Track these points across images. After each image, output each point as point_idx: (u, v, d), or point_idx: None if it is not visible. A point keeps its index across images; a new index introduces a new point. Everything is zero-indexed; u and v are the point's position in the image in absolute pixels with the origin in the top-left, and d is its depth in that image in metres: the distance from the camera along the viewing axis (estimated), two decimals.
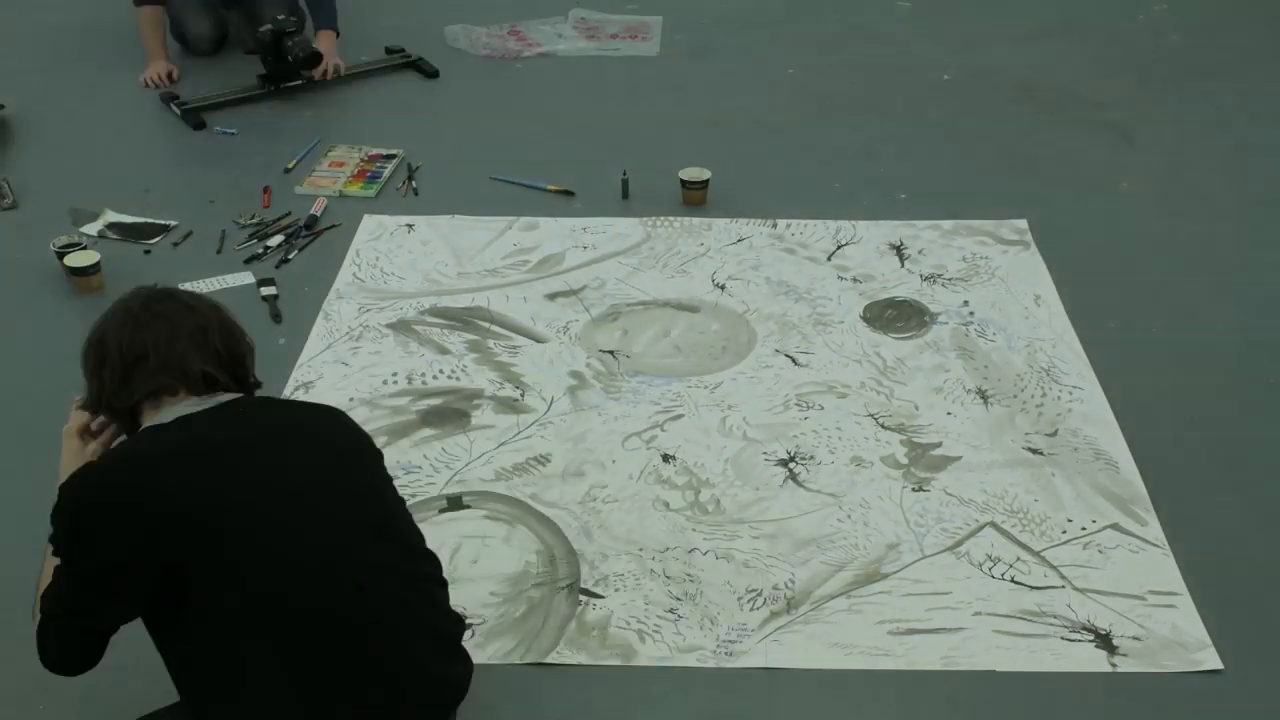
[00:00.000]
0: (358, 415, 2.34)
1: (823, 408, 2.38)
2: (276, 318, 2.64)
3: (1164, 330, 2.61)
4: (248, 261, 2.84)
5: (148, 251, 2.88)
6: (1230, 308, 2.67)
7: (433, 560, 1.61)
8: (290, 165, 3.23)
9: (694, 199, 3.04)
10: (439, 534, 2.08)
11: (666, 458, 2.25)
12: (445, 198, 3.10)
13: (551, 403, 2.39)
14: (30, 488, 2.19)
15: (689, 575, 2.01)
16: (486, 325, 2.62)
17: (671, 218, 2.99)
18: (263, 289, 2.73)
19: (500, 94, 3.66)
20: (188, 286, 2.73)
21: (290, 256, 2.84)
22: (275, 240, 2.88)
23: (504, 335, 2.58)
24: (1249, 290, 2.73)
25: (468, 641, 1.88)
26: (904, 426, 2.33)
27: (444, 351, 2.53)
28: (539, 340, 2.57)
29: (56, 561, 1.42)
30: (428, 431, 2.32)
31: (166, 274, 2.78)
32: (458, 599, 1.96)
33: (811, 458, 2.25)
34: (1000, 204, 3.04)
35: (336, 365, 2.49)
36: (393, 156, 3.25)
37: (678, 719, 1.81)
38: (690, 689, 1.84)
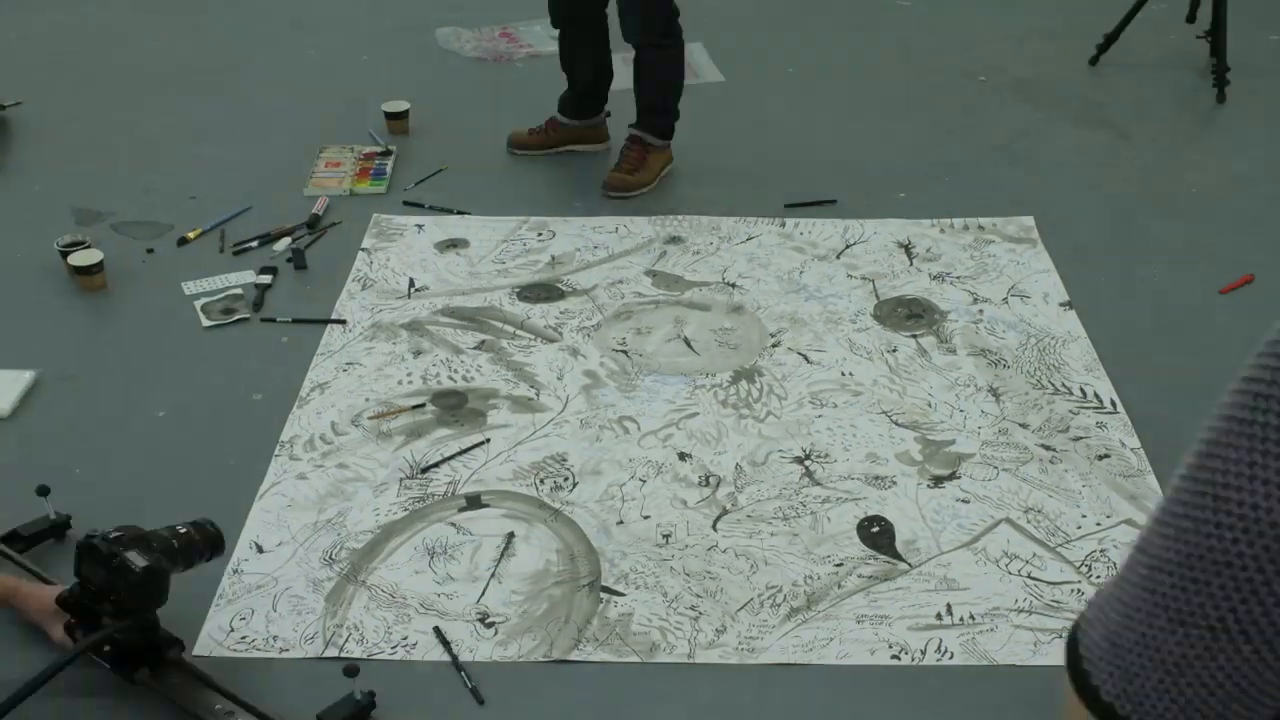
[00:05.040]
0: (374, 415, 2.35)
1: (836, 405, 2.39)
2: (257, 305, 2.65)
3: (1171, 326, 2.63)
4: (237, 253, 2.84)
5: (151, 250, 2.87)
6: (1235, 304, 2.70)
7: None
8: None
9: (397, 129, 3.35)
10: (459, 533, 2.09)
11: (683, 456, 2.26)
12: (450, 196, 3.11)
13: (567, 402, 2.40)
14: (31, 486, 2.20)
15: (708, 572, 2.03)
16: (499, 325, 2.62)
17: (680, 216, 3.00)
18: (260, 277, 2.74)
19: (500, 93, 3.67)
20: (190, 285, 2.73)
21: (303, 249, 2.83)
22: (281, 244, 2.87)
23: (517, 335, 2.59)
24: (1251, 287, 2.75)
25: (491, 639, 1.90)
26: (917, 424, 2.34)
27: (457, 351, 2.54)
28: (552, 340, 2.58)
29: None
30: (444, 431, 2.32)
31: (170, 273, 2.78)
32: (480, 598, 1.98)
33: (827, 455, 2.27)
34: (1000, 202, 3.06)
35: (352, 366, 2.49)
36: (389, 153, 3.25)
37: (699, 715, 1.82)
38: (712, 685, 1.85)
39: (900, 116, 3.52)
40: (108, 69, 3.78)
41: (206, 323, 2.61)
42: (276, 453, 2.26)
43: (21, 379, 2.43)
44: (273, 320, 2.62)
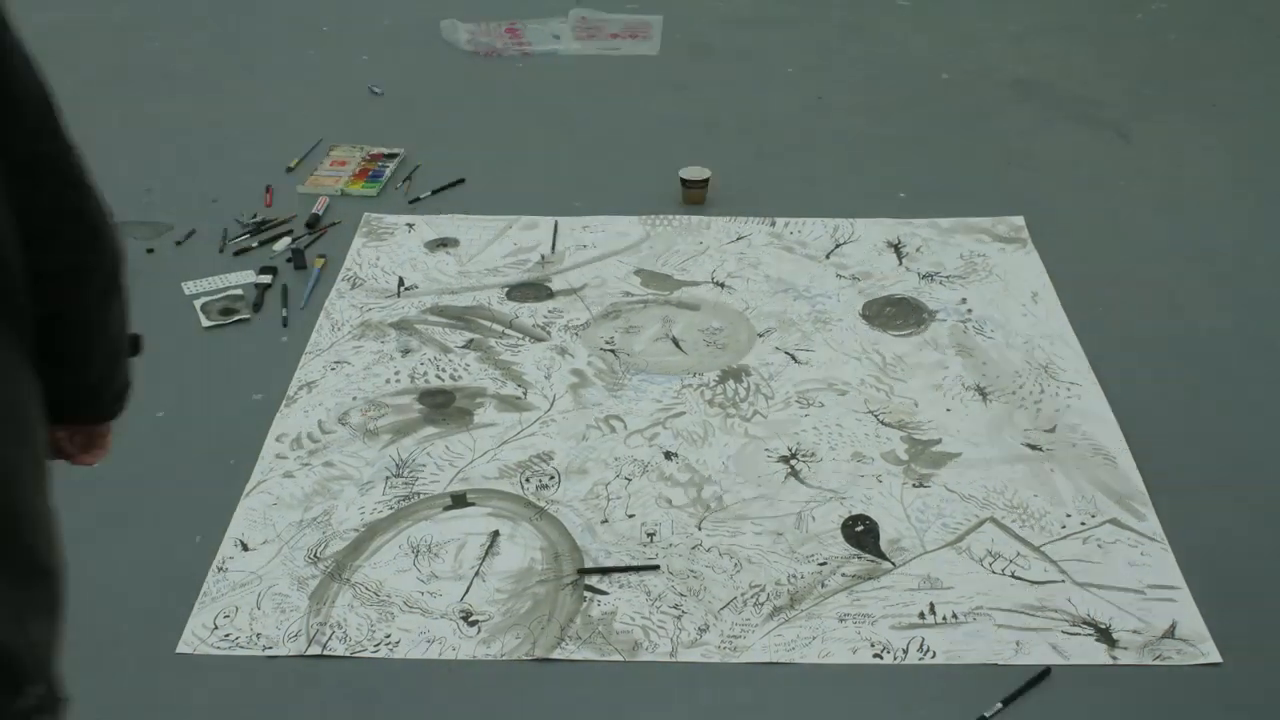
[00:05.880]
0: (362, 414, 2.36)
1: (823, 405, 2.39)
2: (257, 306, 2.66)
3: (1161, 327, 2.62)
4: (237, 254, 2.86)
5: (150, 250, 2.89)
6: (1227, 305, 2.69)
7: None
8: (292, 164, 3.24)
9: (694, 198, 3.05)
10: (444, 531, 2.10)
11: (669, 455, 2.27)
12: (447, 197, 3.12)
13: (554, 400, 2.41)
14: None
15: (692, 572, 2.03)
16: (487, 324, 2.63)
17: (671, 216, 3.00)
18: (260, 277, 2.76)
19: (500, 93, 3.68)
20: (190, 285, 2.74)
21: (302, 249, 2.84)
22: (281, 244, 2.89)
23: (505, 334, 2.59)
24: (1245, 288, 2.75)
25: (474, 638, 1.91)
26: (904, 423, 2.34)
27: (446, 350, 2.55)
28: (540, 339, 2.58)
29: None
30: (431, 430, 2.33)
31: (169, 272, 2.79)
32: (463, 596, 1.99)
33: (813, 454, 2.27)
34: (998, 202, 3.06)
35: (339, 364, 2.51)
36: (395, 155, 3.26)
37: (682, 715, 1.82)
38: (694, 685, 1.85)
39: (899, 116, 3.52)
40: (107, 69, 3.81)
41: (206, 323, 2.62)
42: (262, 452, 2.27)
43: None
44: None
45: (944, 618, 1.94)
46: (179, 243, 2.92)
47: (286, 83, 3.73)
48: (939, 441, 2.30)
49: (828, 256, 2.85)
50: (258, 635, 1.91)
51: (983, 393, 2.42)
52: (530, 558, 2.06)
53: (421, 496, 2.17)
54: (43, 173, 1.12)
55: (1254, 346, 2.56)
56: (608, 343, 2.57)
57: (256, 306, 2.67)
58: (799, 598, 1.98)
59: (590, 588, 2.00)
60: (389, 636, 1.91)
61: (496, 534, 2.09)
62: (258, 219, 2.99)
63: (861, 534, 2.10)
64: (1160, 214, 3.04)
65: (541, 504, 2.16)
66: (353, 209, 3.05)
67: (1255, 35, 4.00)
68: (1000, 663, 1.87)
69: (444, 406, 2.39)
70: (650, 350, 2.55)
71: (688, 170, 3.05)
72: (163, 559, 2.05)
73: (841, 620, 1.94)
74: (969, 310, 2.66)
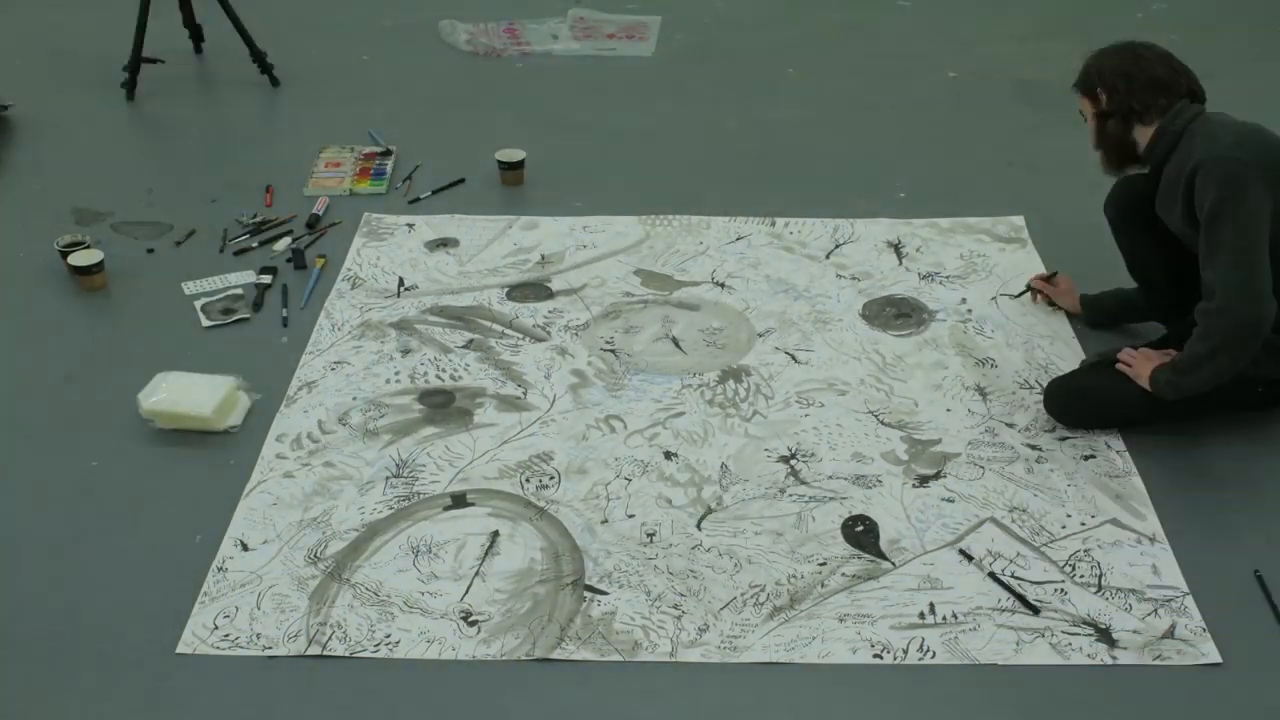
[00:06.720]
0: (362, 414, 2.36)
1: (823, 405, 2.39)
2: (257, 306, 2.67)
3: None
4: (237, 254, 2.86)
5: (151, 250, 2.89)
6: None
7: None
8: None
9: (510, 180, 3.11)
10: (444, 531, 2.10)
11: (669, 455, 2.27)
12: (446, 196, 3.12)
13: (554, 401, 2.41)
14: (31, 485, 2.22)
15: (692, 571, 2.03)
16: (487, 324, 2.63)
17: (671, 216, 3.00)
18: (260, 277, 2.76)
19: (499, 93, 3.68)
20: (190, 285, 2.75)
21: (303, 249, 2.84)
22: (281, 244, 2.89)
23: (505, 334, 2.59)
24: None
25: (474, 638, 1.91)
26: (904, 423, 2.34)
27: (446, 350, 2.55)
28: (540, 339, 2.58)
29: None
30: (431, 430, 2.33)
31: (170, 273, 2.79)
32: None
33: (813, 454, 2.27)
34: (999, 202, 3.06)
35: (339, 364, 2.51)
36: (388, 153, 3.26)
37: (681, 715, 1.82)
38: (693, 685, 1.85)
39: (900, 116, 3.52)
40: (109, 69, 3.80)
41: (206, 323, 2.63)
42: (262, 452, 2.27)
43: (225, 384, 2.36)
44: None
45: (944, 618, 1.94)
46: (179, 243, 2.92)
47: (286, 83, 3.73)
48: (939, 441, 2.30)
49: (828, 256, 2.85)
50: (258, 635, 1.91)
51: (982, 392, 2.42)
52: (530, 558, 2.06)
53: (421, 496, 2.18)
54: None
55: None
56: (608, 343, 2.57)
57: (256, 306, 2.67)
58: (799, 598, 1.98)
59: (590, 588, 2.00)
60: (389, 636, 1.91)
61: (496, 534, 2.09)
62: (258, 219, 3.00)
63: (862, 534, 2.10)
64: None
65: (541, 504, 2.16)
66: (359, 207, 3.05)
67: (1255, 35, 3.99)
68: (1000, 662, 1.87)
69: (444, 406, 2.39)
70: (650, 350, 2.55)
71: (503, 153, 3.11)
72: (163, 559, 2.05)
73: (841, 620, 1.94)
74: (969, 310, 2.66)
